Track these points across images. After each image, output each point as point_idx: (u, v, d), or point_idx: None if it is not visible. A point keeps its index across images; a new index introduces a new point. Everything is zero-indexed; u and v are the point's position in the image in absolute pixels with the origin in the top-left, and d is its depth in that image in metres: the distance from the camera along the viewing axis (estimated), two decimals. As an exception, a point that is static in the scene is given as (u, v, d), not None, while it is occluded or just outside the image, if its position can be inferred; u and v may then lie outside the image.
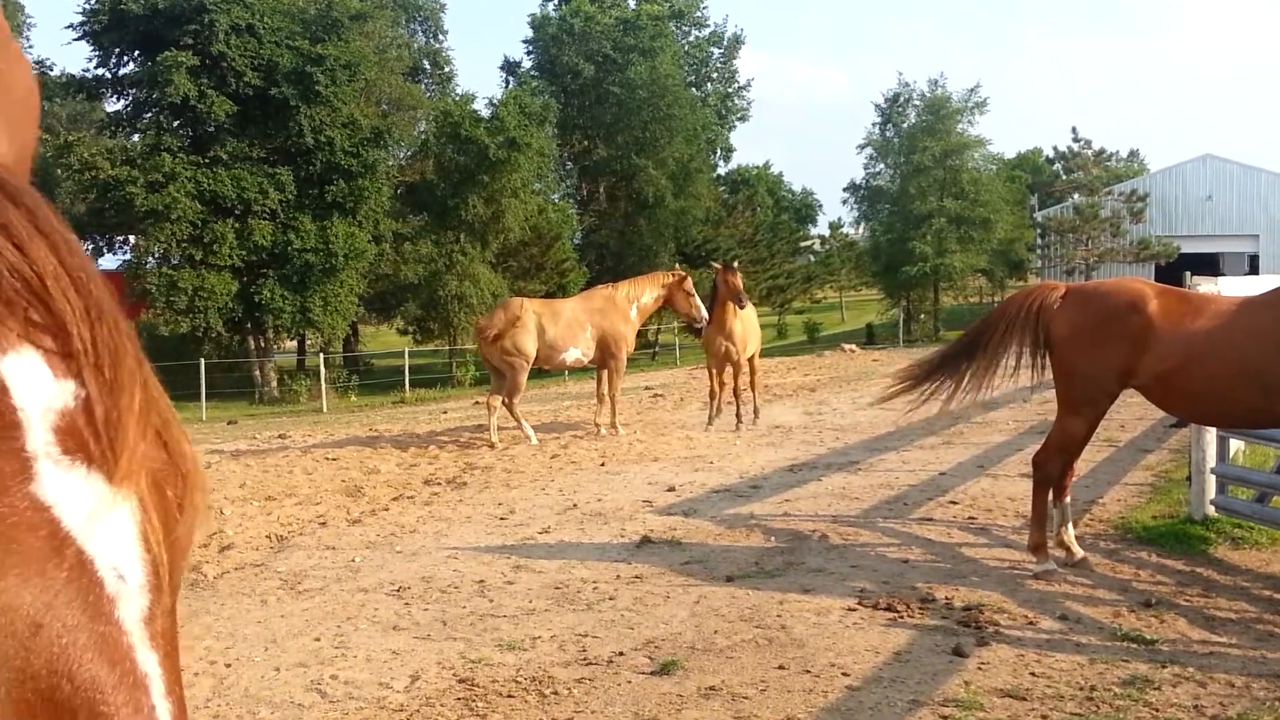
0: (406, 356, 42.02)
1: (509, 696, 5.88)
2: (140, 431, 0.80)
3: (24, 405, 0.74)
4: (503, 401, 16.50)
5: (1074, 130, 61.56)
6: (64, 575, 0.73)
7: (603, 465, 14.03)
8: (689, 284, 17.75)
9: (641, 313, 17.88)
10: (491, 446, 15.83)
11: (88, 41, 41.76)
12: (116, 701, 0.74)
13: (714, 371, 17.78)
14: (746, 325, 17.53)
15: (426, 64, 60.72)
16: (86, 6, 41.09)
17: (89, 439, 0.77)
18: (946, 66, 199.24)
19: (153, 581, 0.79)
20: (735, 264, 17.68)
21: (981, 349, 8.36)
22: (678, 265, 19.12)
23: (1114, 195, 51.95)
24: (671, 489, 11.96)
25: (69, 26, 41.87)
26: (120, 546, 0.77)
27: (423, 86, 57.59)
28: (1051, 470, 8.03)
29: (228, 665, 6.55)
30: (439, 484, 13.11)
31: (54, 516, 0.73)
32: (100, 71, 42.82)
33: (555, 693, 5.90)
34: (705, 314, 17.26)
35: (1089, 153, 53.31)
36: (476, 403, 21.04)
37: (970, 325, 8.93)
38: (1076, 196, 52.34)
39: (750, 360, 18.11)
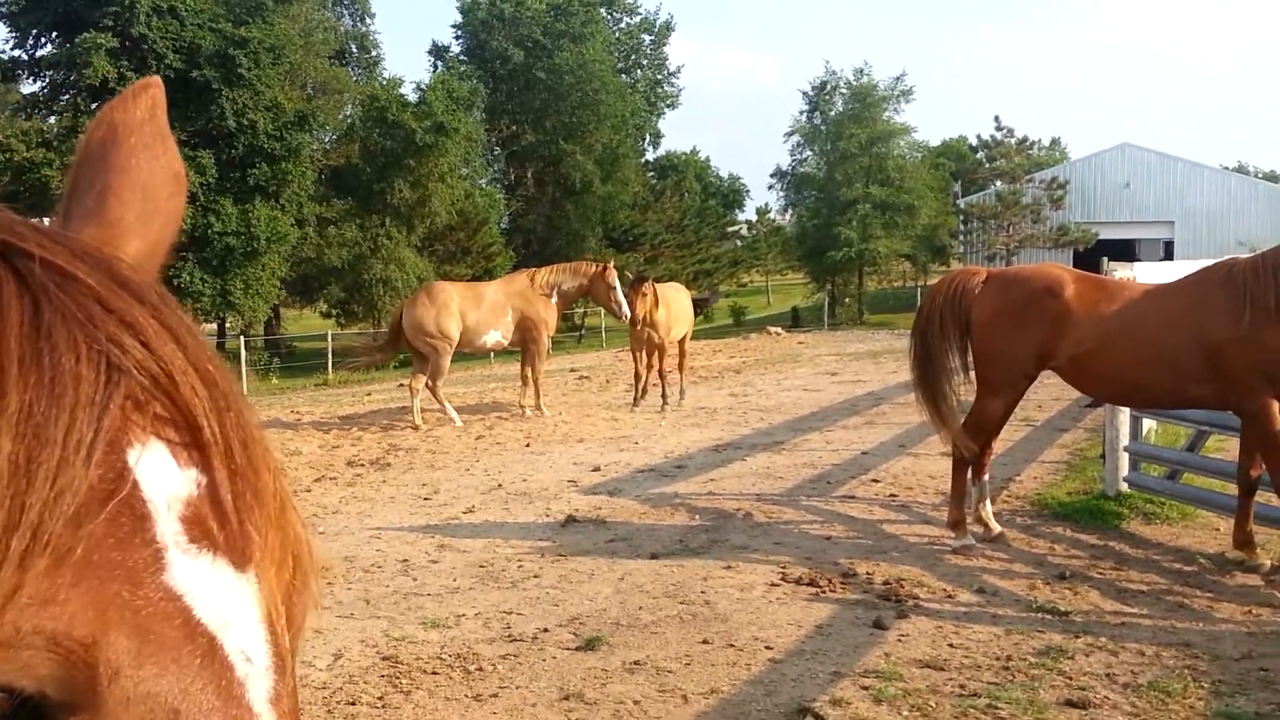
0: (329, 339, 41.52)
1: (433, 674, 5.86)
2: (266, 517, 0.82)
3: (152, 497, 0.75)
4: (426, 384, 16.46)
5: (997, 119, 62.22)
6: (198, 662, 0.74)
7: (528, 446, 14.01)
8: (612, 276, 17.62)
9: (563, 299, 17.89)
10: (415, 428, 15.75)
11: (4, 23, 40.79)
12: None
13: (637, 355, 17.85)
14: (672, 309, 17.61)
15: (353, 47, 59.87)
16: (6, -12, 40.08)
17: (214, 526, 0.78)
18: (873, 55, 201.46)
19: (277, 663, 0.80)
20: (648, 282, 17.53)
21: (931, 348, 8.39)
22: (609, 255, 18.87)
23: (1035, 183, 52.75)
24: (597, 469, 11.98)
25: (-14, 7, 40.77)
26: (247, 630, 0.78)
27: (349, 70, 56.78)
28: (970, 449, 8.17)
29: (145, 646, 6.45)
30: (362, 465, 13.00)
31: (186, 605, 0.74)
32: (16, 53, 41.77)
33: (480, 669, 5.89)
34: (626, 308, 17.24)
35: (1011, 141, 54.08)
36: (400, 385, 20.86)
37: (914, 324, 8.92)
38: (999, 184, 53.08)
39: (680, 343, 18.22)
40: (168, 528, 0.75)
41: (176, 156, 1.07)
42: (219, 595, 0.77)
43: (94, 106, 40.82)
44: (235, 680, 0.76)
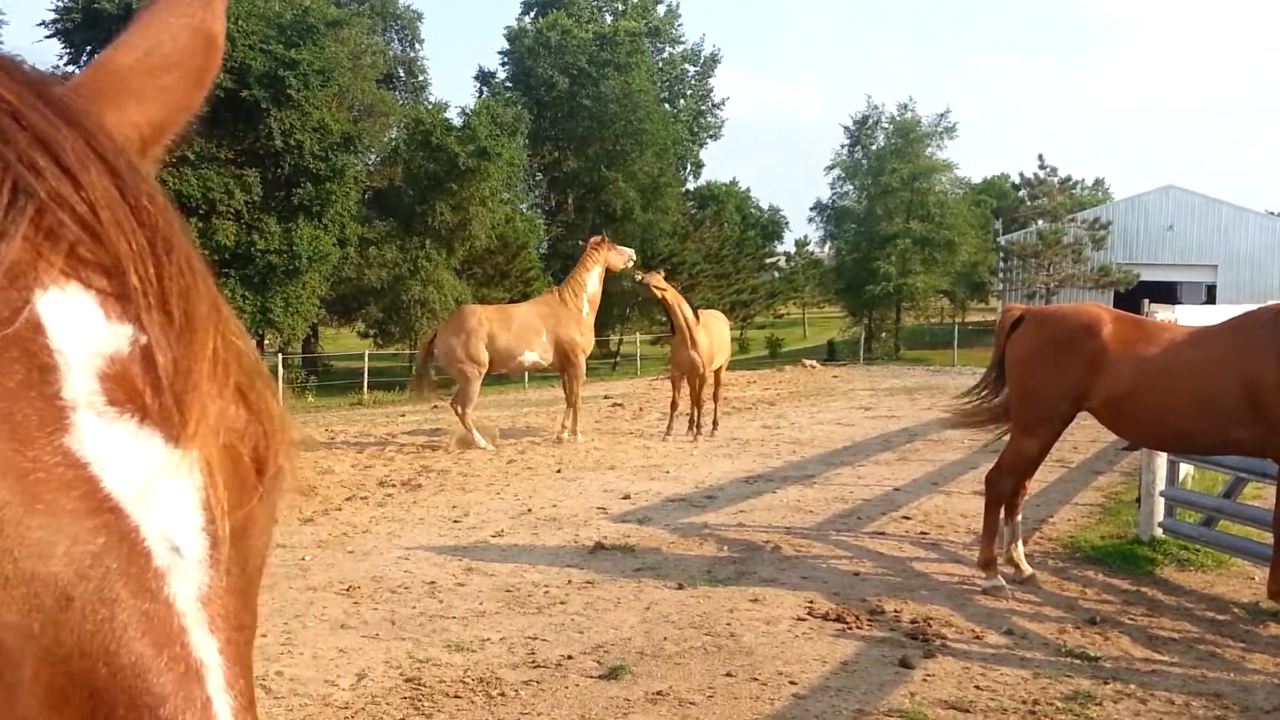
0: (366, 359, 41.78)
1: (455, 697, 5.86)
2: (214, 387, 0.70)
3: (62, 347, 0.64)
4: (454, 408, 16.63)
5: (1040, 158, 62.33)
6: (101, 542, 0.63)
7: (559, 472, 14.02)
8: (605, 241, 18.19)
9: (592, 304, 18.03)
10: (482, 448, 15.97)
11: (59, 39, 41.35)
12: (163, 690, 0.64)
13: (677, 382, 17.84)
14: (714, 337, 17.63)
15: (401, 72, 60.52)
16: (59, 5, 40.66)
17: (146, 391, 0.67)
18: (916, 91, 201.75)
19: (214, 556, 0.69)
20: (659, 274, 17.88)
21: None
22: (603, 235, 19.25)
23: (1077, 222, 52.43)
24: (627, 497, 11.96)
25: (41, 24, 41.45)
26: (175, 515, 0.67)
27: (396, 94, 57.38)
28: (1004, 488, 8.09)
29: (172, 659, 6.49)
30: (394, 485, 13.05)
31: (91, 475, 0.63)
32: (70, 69, 42.28)
33: (502, 694, 5.88)
34: (630, 251, 18.39)
35: (1054, 180, 53.85)
36: (435, 407, 20.94)
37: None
38: (1040, 222, 52.84)
39: (716, 372, 18.20)
40: (80, 385, 0.65)
41: (210, 15, 0.95)
42: (140, 469, 0.66)
43: (144, 123, 41.41)
44: (152, 570, 0.65)
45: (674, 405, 17.84)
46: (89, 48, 41.58)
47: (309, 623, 7.22)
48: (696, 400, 17.54)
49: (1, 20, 49.38)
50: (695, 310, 17.55)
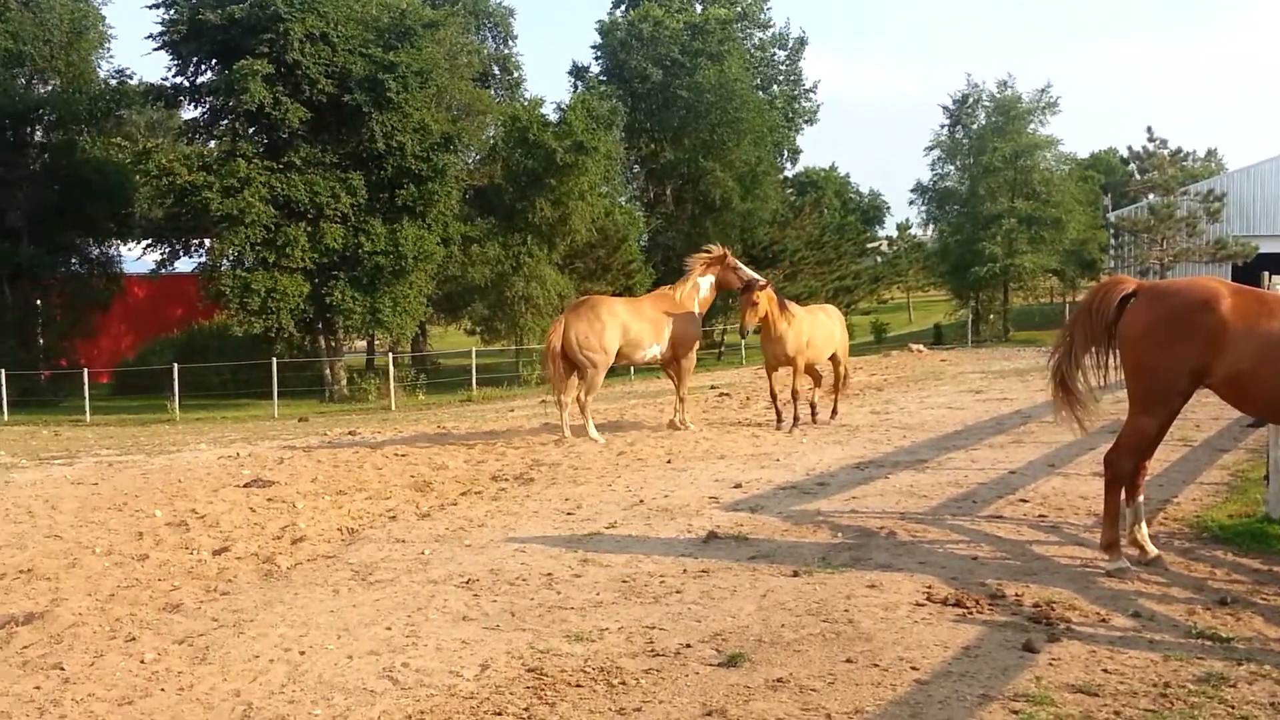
0: (473, 356, 42.36)
1: (577, 686, 5.92)
2: None
3: None
4: (577, 398, 16.76)
5: (1149, 130, 60.48)
6: None
7: (669, 463, 14.07)
8: (730, 259, 18.13)
9: (703, 305, 18.19)
10: (593, 439, 16.16)
11: (167, 51, 42.49)
12: None
13: (771, 374, 18.06)
14: (812, 328, 17.58)
15: (496, 69, 61.15)
16: (166, 17, 41.83)
17: None
18: (1017, 67, 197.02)
19: None
20: (755, 291, 17.10)
21: (1066, 349, 8.35)
22: (717, 246, 19.04)
23: (1190, 195, 51.01)
24: (738, 485, 11.97)
25: (149, 37, 42.65)
26: None
27: (492, 92, 57.99)
28: (1124, 468, 7.92)
29: (301, 653, 6.67)
30: (506, 480, 13.23)
31: None
32: (178, 80, 43.53)
33: (623, 683, 5.93)
34: (755, 275, 17.84)
35: (1164, 152, 52.32)
36: (543, 401, 21.18)
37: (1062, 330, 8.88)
38: (1151, 197, 51.43)
39: (834, 363, 18.50)
40: None
41: None
42: None
43: (251, 131, 42.46)
44: None
45: (773, 396, 17.83)
46: (195, 59, 42.74)
47: (431, 615, 7.36)
48: (794, 392, 17.47)
49: (110, 34, 51.07)
50: (785, 302, 17.52)
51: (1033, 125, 54.81)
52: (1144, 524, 8.17)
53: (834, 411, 18.18)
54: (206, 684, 6.20)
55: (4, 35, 44.09)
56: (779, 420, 17.52)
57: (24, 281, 44.94)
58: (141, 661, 6.63)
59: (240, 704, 5.87)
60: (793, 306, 17.79)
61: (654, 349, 17.41)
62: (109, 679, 6.35)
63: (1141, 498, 8.20)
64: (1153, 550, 8.02)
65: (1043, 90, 55.14)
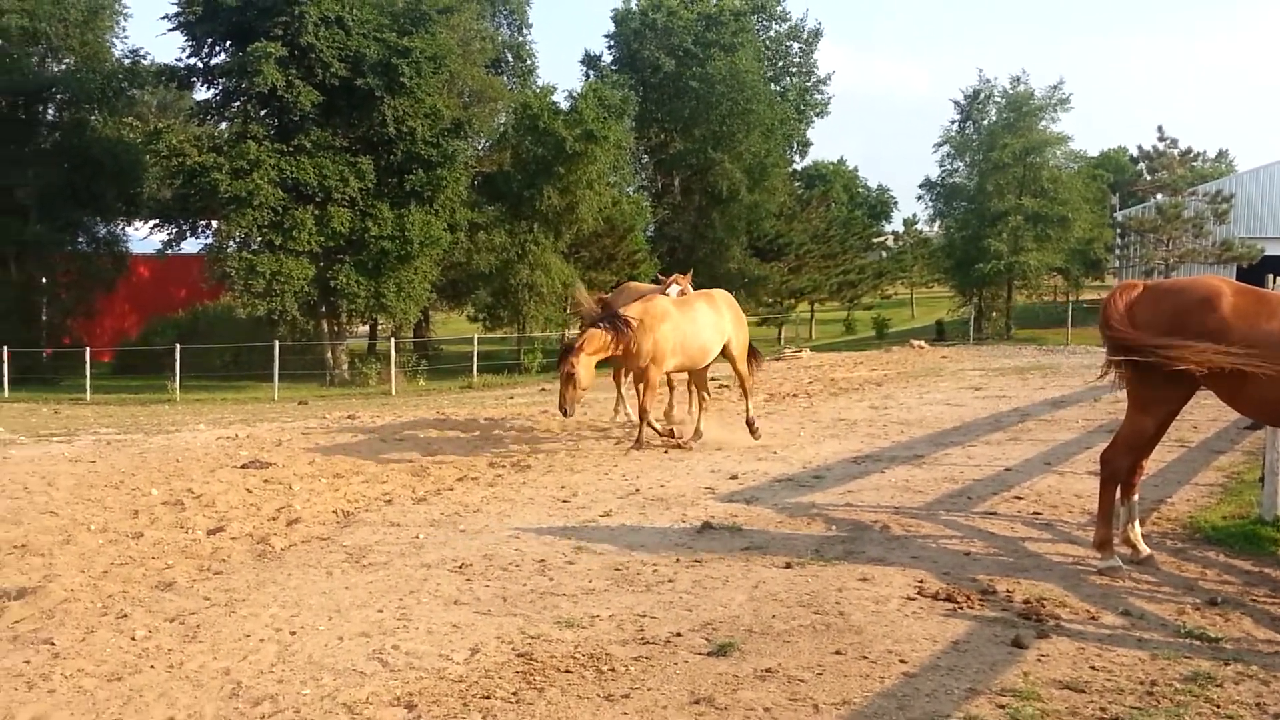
0: (475, 343, 42.37)
1: (566, 672, 5.94)
2: None
3: None
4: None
5: (1159, 129, 60.36)
6: None
7: (666, 453, 14.09)
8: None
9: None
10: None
11: (182, 32, 42.39)
12: None
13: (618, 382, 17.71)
14: (677, 329, 14.63)
15: (509, 56, 60.95)
16: (181, -1, 41.83)
17: None
18: (1029, 63, 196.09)
19: None
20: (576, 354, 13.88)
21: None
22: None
23: (1198, 195, 50.85)
24: (734, 477, 11.98)
25: (164, 17, 42.62)
26: None
27: (504, 79, 57.83)
28: (1119, 467, 7.92)
29: (292, 633, 6.70)
30: (503, 466, 13.25)
31: None
32: (192, 61, 43.43)
33: (612, 670, 5.95)
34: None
35: (1174, 152, 52.11)
36: (543, 389, 21.18)
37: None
38: (1159, 196, 51.26)
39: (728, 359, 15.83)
40: None
41: None
42: None
43: (262, 113, 42.42)
44: None
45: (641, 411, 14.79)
46: (209, 40, 42.70)
47: (423, 599, 7.38)
48: (641, 408, 14.66)
49: (125, 13, 51.03)
50: (618, 315, 14.20)
51: (1044, 122, 54.59)
52: (1137, 523, 8.18)
53: (696, 431, 15.17)
54: (196, 662, 6.23)
55: (21, 14, 44.06)
56: (639, 440, 14.61)
57: (30, 258, 44.97)
58: (132, 638, 6.66)
59: (229, 682, 5.90)
60: (649, 307, 14.49)
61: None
62: (99, 655, 6.38)
63: (1136, 497, 8.20)
64: (1145, 550, 8.03)
65: (1055, 87, 54.88)
